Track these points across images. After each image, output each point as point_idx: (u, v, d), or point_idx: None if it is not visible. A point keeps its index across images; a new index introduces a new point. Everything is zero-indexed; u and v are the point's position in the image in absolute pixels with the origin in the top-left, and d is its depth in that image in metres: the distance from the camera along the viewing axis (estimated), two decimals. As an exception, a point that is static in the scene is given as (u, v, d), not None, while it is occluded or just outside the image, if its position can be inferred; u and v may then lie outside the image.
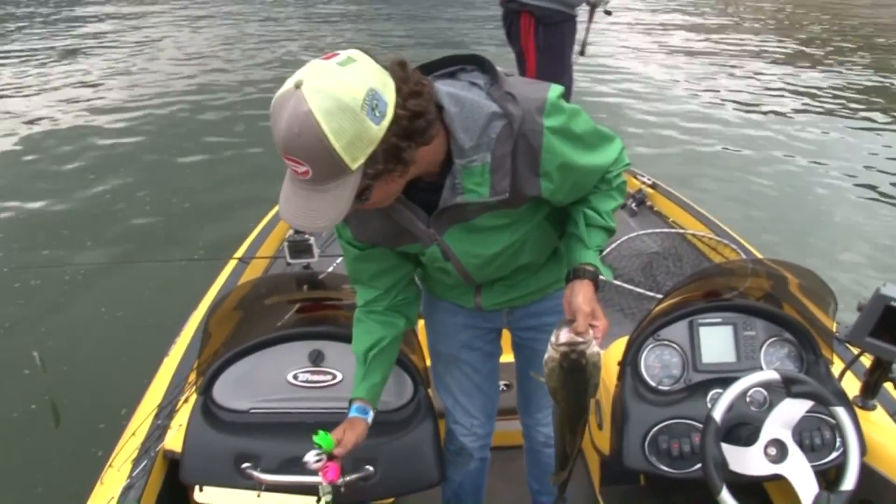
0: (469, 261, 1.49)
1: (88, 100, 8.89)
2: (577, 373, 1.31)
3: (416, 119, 1.12)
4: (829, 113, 9.07)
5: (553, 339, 1.31)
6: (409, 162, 1.15)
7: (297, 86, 1.03)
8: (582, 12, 3.83)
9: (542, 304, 1.72)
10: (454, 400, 1.87)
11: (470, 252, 1.47)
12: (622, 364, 1.93)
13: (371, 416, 1.59)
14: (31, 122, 8.00)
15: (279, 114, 1.04)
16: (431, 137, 1.18)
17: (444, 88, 1.23)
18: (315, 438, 1.45)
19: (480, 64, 1.32)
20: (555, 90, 1.29)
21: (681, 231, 3.29)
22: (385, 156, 1.11)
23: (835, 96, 9.87)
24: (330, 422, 1.78)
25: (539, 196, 1.33)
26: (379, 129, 1.07)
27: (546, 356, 1.33)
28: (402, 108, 1.10)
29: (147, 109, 8.53)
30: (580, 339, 1.29)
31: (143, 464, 1.81)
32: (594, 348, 1.31)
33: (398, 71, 1.13)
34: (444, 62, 1.34)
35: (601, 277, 1.46)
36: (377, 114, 1.06)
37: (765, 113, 8.83)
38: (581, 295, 1.37)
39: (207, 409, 1.80)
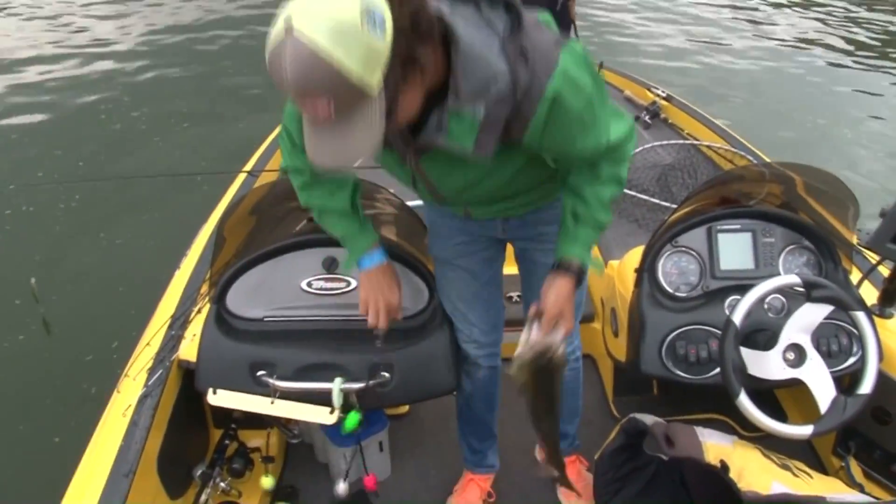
0: (446, 188, 1.45)
1: (79, 25, 8.63)
2: (546, 371, 1.37)
3: (416, 17, 1.07)
4: (850, 21, 8.80)
5: (524, 336, 1.37)
6: (425, 63, 1.11)
7: (289, 29, 0.97)
8: None
9: (538, 214, 1.65)
10: (453, 306, 1.81)
11: (446, 181, 1.43)
12: (639, 271, 1.91)
13: None
14: (25, 45, 7.78)
15: (279, 63, 0.99)
16: (441, 35, 1.13)
17: (460, 19, 1.16)
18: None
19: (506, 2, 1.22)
20: (571, 53, 1.20)
21: (695, 142, 3.21)
22: (401, 64, 1.07)
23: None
24: (344, 329, 1.78)
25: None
26: (385, 44, 1.03)
27: (517, 352, 1.37)
28: (400, 15, 1.05)
29: (138, 25, 8.28)
30: (553, 342, 1.35)
31: (159, 373, 1.80)
32: (562, 348, 1.36)
33: None
34: None
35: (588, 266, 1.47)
36: (378, 29, 1.01)
37: (779, 24, 8.57)
38: (554, 294, 1.41)
39: (221, 318, 1.80)
